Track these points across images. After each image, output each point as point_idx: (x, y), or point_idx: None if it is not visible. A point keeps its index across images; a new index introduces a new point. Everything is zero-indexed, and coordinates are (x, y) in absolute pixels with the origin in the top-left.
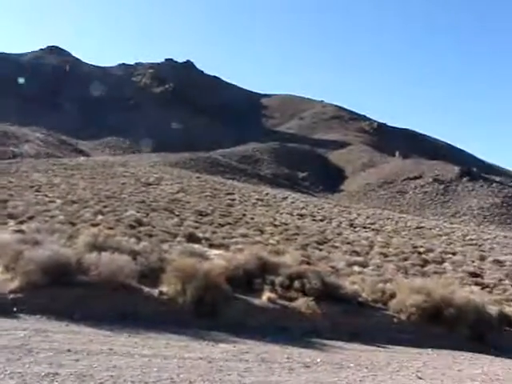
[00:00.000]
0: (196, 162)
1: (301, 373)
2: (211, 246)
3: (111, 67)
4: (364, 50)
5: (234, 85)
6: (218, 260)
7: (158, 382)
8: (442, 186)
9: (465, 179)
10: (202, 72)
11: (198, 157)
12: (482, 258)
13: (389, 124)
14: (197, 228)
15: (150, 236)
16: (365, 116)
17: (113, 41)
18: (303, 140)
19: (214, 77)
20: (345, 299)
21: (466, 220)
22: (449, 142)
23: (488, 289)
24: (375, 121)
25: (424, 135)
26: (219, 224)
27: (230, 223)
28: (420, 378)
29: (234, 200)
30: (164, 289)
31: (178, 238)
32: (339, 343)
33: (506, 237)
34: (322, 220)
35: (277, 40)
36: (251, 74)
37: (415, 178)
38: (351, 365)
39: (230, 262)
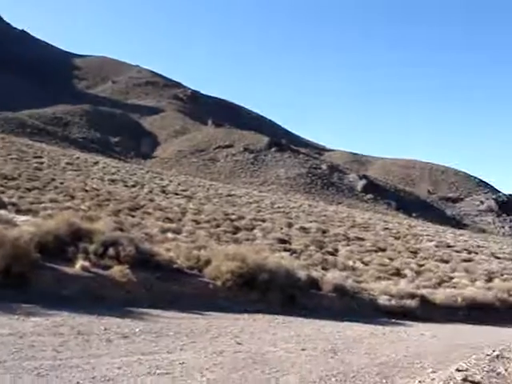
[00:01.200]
0: (0, 122)
1: (120, 344)
2: (18, 211)
3: None
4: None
5: (44, 41)
6: (26, 227)
7: None
8: (251, 156)
9: (273, 150)
10: (9, 24)
11: (3, 116)
12: (290, 225)
13: (203, 92)
14: (2, 193)
15: None
16: (179, 83)
17: None
18: (116, 104)
19: (22, 31)
20: (161, 266)
21: (273, 189)
22: (262, 114)
23: (296, 254)
24: (189, 88)
25: (239, 106)
26: (26, 189)
27: (38, 188)
28: (239, 344)
29: (42, 164)
30: None
31: None
32: (157, 311)
33: (310, 205)
34: (134, 186)
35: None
36: (66, 33)
37: (227, 146)
38: (171, 333)
39: (40, 228)
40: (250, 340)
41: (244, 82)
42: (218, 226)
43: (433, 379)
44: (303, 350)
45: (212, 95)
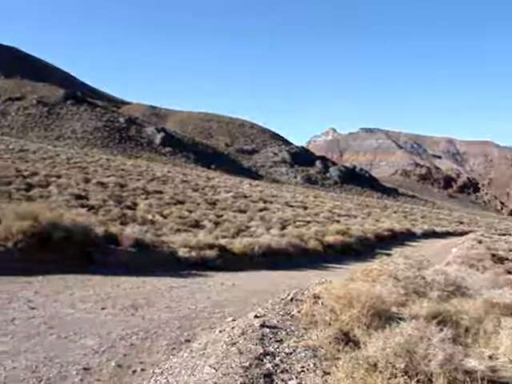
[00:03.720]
0: None
1: None
2: None
3: None
4: None
5: None
6: None
7: None
8: (46, 109)
9: (69, 102)
10: None
11: None
12: (87, 181)
13: None
14: None
15: None
16: None
17: None
18: None
19: None
20: None
21: (69, 143)
22: (59, 66)
23: (94, 210)
24: None
25: (30, 55)
26: None
27: None
28: (32, 308)
29: None
30: None
31: None
32: None
33: (108, 160)
34: None
35: None
36: None
37: (18, 99)
38: None
39: None
40: (45, 303)
41: (40, 32)
42: (9, 183)
43: (233, 327)
44: (103, 308)
45: (2, 43)
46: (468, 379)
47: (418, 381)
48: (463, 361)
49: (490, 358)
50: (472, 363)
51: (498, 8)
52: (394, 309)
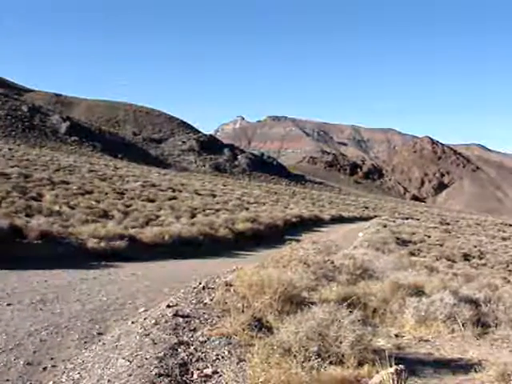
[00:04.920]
0: None
1: None
2: None
3: None
4: None
5: None
6: None
7: None
8: None
9: None
10: None
11: None
12: None
13: None
14: None
15: None
16: None
17: None
18: None
19: None
20: None
21: None
22: None
23: None
24: None
25: None
26: None
27: None
28: None
29: None
30: None
31: None
32: None
33: (11, 149)
34: None
35: None
36: None
37: None
38: None
39: None
40: None
41: None
42: None
43: (146, 318)
44: (9, 305)
45: None
46: (377, 358)
47: (330, 362)
48: (372, 341)
49: (397, 336)
50: (380, 342)
51: None
52: (305, 294)
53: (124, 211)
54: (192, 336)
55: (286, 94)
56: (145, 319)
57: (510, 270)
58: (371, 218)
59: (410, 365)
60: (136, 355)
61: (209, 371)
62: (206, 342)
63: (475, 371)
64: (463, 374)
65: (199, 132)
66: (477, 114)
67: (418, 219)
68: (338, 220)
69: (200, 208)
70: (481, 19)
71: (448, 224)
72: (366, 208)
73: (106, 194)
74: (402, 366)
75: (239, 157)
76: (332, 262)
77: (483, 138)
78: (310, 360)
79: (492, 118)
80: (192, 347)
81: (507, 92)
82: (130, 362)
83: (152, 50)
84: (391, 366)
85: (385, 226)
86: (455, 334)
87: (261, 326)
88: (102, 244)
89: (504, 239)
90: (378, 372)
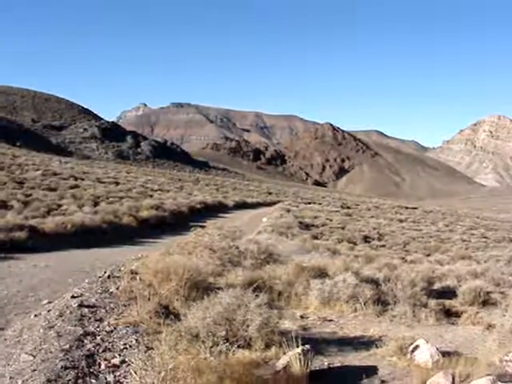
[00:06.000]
0: None
1: None
2: None
3: None
4: None
5: None
6: None
7: None
8: None
9: None
10: None
11: None
12: None
13: None
14: None
15: None
16: None
17: None
18: None
19: None
20: None
21: None
22: None
23: None
24: None
25: None
26: None
27: None
28: None
29: None
30: None
31: None
32: None
33: None
34: None
35: None
36: None
37: None
38: None
39: None
40: None
41: None
42: None
43: (49, 310)
44: None
45: None
46: (284, 339)
47: (238, 346)
48: (278, 323)
49: (302, 317)
50: (286, 324)
51: None
52: (211, 279)
53: (24, 201)
54: (98, 326)
55: (189, 81)
56: (49, 311)
57: (406, 250)
58: (274, 203)
59: (316, 344)
60: (40, 349)
61: (117, 361)
62: (112, 331)
63: (376, 347)
64: (365, 350)
65: (101, 119)
66: (375, 100)
67: (320, 203)
68: (242, 206)
69: (103, 196)
70: (378, 10)
71: (349, 208)
72: (270, 194)
73: (5, 183)
74: (307, 346)
75: (142, 144)
76: (237, 248)
77: (381, 124)
78: (218, 345)
79: (390, 104)
80: (99, 337)
81: (404, 79)
82: (34, 357)
83: (50, 32)
84: (298, 347)
85: (288, 211)
86: (357, 312)
87: (168, 313)
88: (1, 235)
89: (401, 221)
90: (285, 353)
